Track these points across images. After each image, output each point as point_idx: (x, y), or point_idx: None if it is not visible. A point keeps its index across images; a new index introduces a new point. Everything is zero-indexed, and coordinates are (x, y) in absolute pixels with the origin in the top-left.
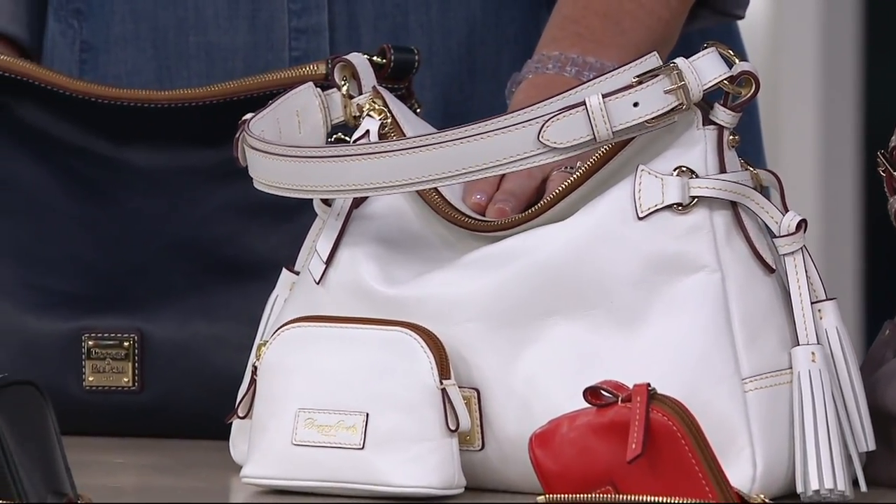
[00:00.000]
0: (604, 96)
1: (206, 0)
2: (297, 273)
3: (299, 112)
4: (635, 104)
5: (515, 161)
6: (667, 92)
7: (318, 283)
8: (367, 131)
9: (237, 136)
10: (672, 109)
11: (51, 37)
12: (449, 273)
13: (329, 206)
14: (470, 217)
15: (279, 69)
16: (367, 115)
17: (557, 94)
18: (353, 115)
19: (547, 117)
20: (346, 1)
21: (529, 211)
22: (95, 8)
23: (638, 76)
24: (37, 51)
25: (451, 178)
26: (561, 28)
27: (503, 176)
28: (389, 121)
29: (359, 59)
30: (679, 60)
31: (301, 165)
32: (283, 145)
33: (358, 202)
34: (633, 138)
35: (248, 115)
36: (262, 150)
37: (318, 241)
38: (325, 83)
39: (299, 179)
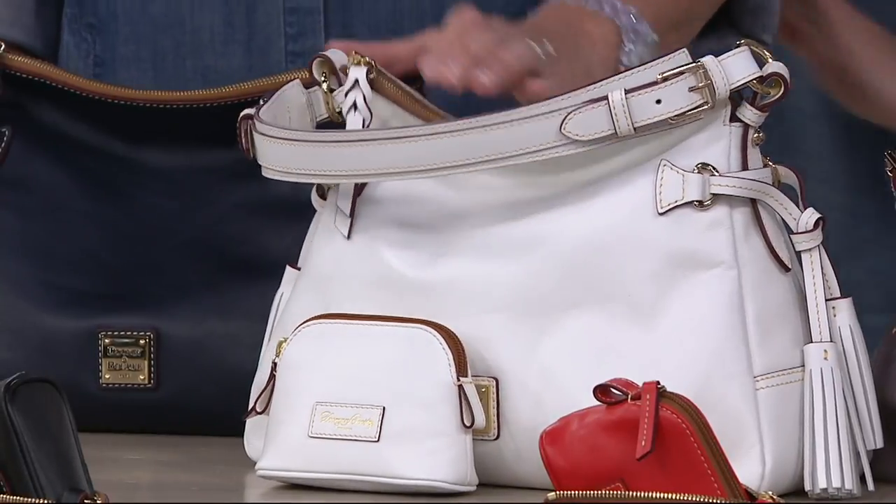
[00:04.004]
0: (626, 92)
1: (202, 24)
2: (300, 269)
3: (290, 109)
4: (658, 101)
5: (536, 151)
6: (691, 90)
7: (347, 238)
8: (356, 80)
9: (243, 128)
10: (696, 108)
11: (65, 48)
12: (469, 259)
13: (325, 199)
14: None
15: (293, 70)
16: (353, 66)
17: (581, 88)
18: (336, 110)
19: (570, 109)
20: (343, 24)
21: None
22: (105, 25)
23: (663, 73)
24: (50, 58)
25: (473, 164)
26: None
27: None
28: (375, 69)
29: (337, 55)
30: (707, 59)
31: (319, 149)
32: (299, 130)
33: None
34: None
35: (249, 111)
36: (276, 137)
37: (338, 199)
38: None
39: (316, 164)
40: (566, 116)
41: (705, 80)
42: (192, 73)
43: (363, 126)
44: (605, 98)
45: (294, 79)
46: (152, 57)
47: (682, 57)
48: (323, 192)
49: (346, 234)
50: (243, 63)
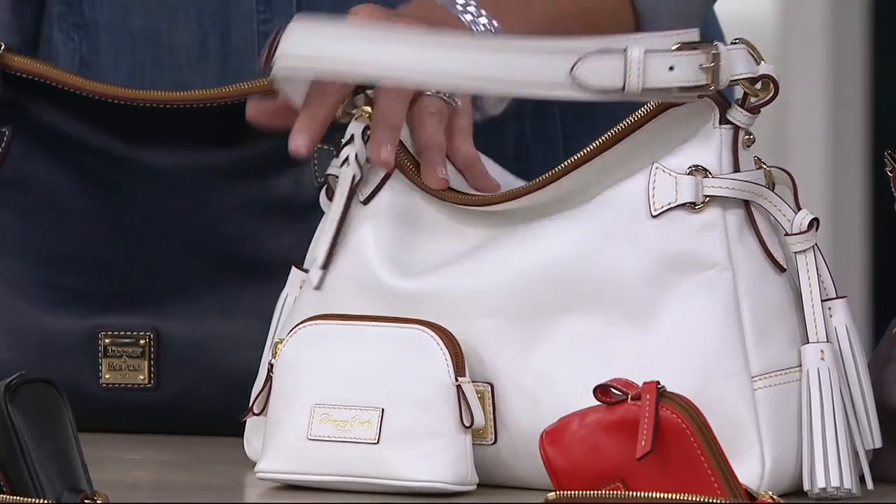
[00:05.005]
0: (646, 51)
1: (179, 42)
2: (307, 271)
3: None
4: (671, 68)
5: (541, 87)
6: (701, 67)
7: (316, 289)
8: (353, 136)
9: (269, 42)
10: (700, 86)
11: (54, 45)
12: (463, 266)
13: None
14: (461, 192)
15: None
16: (356, 119)
17: (596, 35)
18: (346, 111)
19: (584, 54)
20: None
21: (527, 186)
22: (90, 31)
23: (679, 43)
24: (28, 55)
25: (477, 81)
26: None
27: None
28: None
29: None
30: (720, 44)
31: (333, 38)
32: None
33: (367, 200)
34: (645, 124)
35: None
36: (298, 31)
37: (315, 248)
38: None
39: (329, 52)
40: (579, 59)
41: (715, 62)
42: (169, 84)
43: (352, 182)
44: (623, 51)
45: None
46: (130, 69)
47: (694, 34)
48: (331, 193)
49: (315, 285)
50: (219, 81)
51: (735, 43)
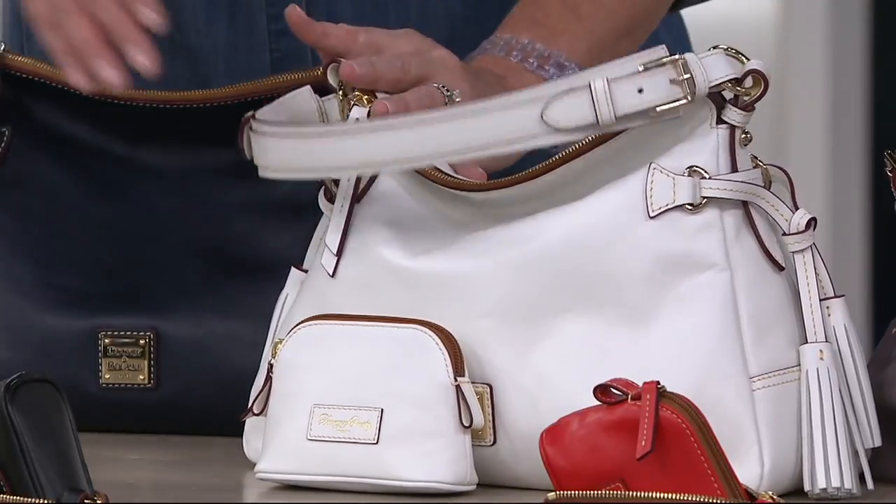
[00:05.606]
0: (609, 80)
1: (183, 5)
2: (306, 271)
3: (297, 115)
4: (640, 90)
5: (517, 141)
6: (672, 83)
7: (332, 276)
8: (357, 119)
9: (241, 129)
10: (676, 101)
11: (37, 46)
12: (459, 257)
13: (333, 203)
14: (454, 177)
15: (293, 70)
16: (355, 105)
17: (560, 79)
18: (348, 115)
19: (550, 97)
20: (325, 1)
21: (521, 174)
22: None
23: (644, 63)
24: None
25: (453, 154)
26: (521, 9)
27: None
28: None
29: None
30: (688, 55)
31: (305, 144)
32: (287, 125)
33: (359, 197)
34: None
35: (250, 113)
36: (269, 134)
37: (326, 236)
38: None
39: (305, 160)
40: (546, 104)
41: (685, 72)
42: (175, 51)
43: None
44: (587, 86)
45: (292, 80)
46: None
47: (661, 51)
48: (331, 195)
49: (330, 273)
50: (227, 41)
51: (713, 49)
